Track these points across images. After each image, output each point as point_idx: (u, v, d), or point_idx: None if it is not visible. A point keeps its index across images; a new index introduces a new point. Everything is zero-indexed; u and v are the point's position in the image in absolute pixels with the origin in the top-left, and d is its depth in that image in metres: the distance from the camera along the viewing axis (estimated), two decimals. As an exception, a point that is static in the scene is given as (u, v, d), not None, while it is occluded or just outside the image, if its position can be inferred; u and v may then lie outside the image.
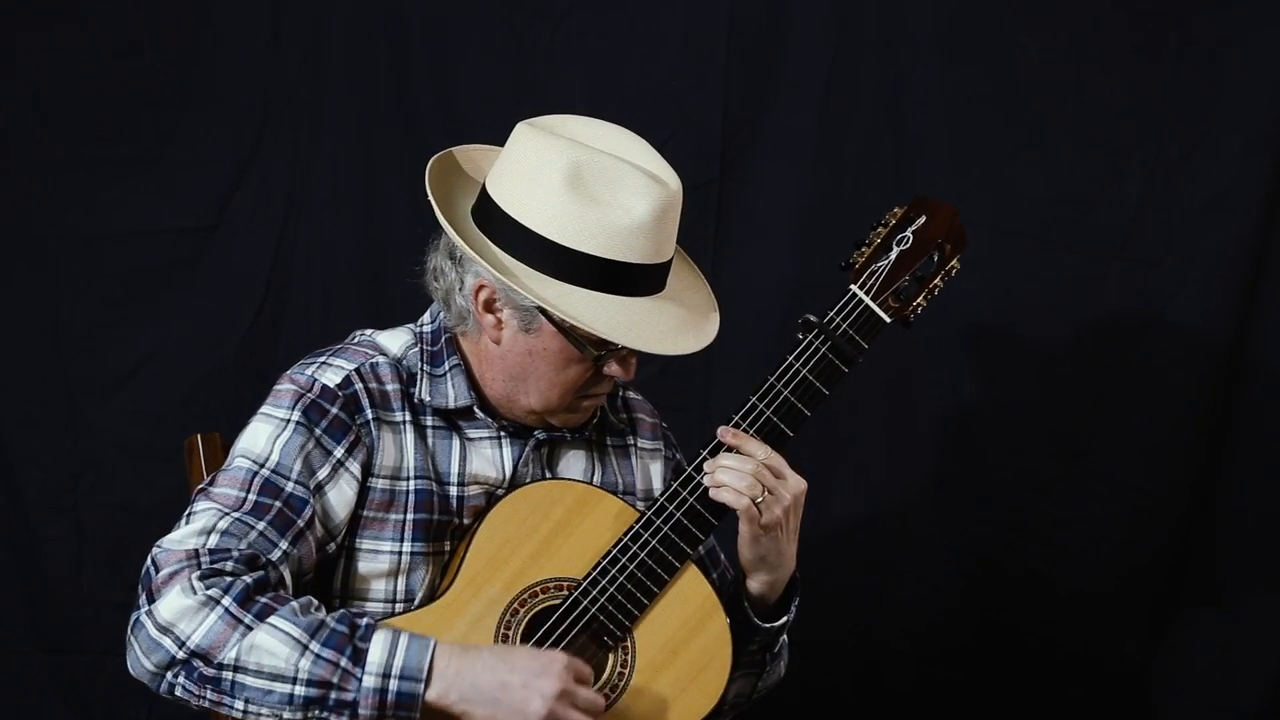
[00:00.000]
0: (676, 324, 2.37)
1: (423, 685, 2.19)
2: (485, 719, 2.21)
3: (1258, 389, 3.36)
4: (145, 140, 3.38)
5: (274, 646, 2.18)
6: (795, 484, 2.38)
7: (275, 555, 2.27)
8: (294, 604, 2.23)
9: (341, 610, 2.27)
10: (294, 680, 2.18)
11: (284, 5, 3.39)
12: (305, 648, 2.19)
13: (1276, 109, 3.28)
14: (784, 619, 2.49)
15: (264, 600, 2.21)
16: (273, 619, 2.19)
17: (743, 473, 2.33)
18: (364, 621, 2.24)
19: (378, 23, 3.38)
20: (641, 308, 2.33)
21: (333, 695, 2.18)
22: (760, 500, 2.34)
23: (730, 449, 2.36)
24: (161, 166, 3.39)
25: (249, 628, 2.18)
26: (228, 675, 2.18)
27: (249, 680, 2.18)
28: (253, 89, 3.39)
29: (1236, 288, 3.33)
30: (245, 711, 2.20)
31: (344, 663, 2.19)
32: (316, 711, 2.19)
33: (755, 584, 2.45)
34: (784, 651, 2.58)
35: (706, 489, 2.35)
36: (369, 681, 2.18)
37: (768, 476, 2.35)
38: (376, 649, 2.20)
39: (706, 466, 2.35)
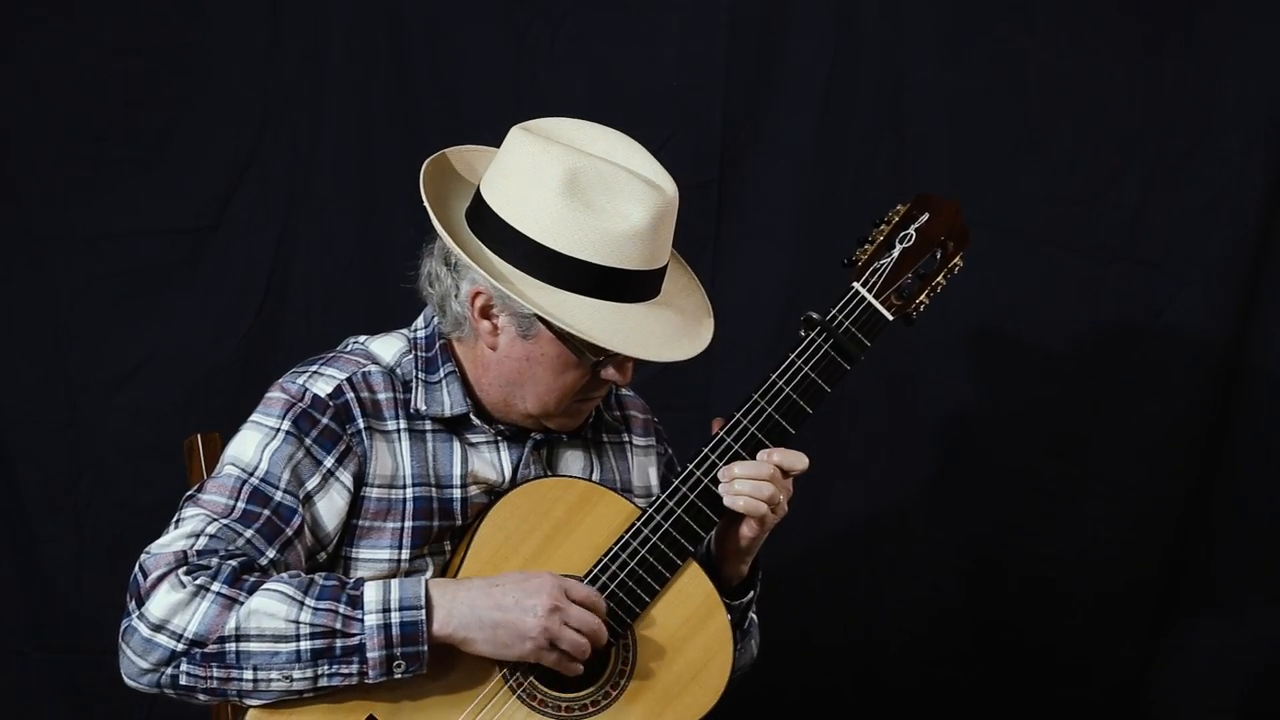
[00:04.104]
0: (672, 330, 2.37)
1: (424, 613, 2.21)
2: (486, 641, 2.24)
3: (1257, 388, 3.37)
4: (145, 140, 3.38)
5: (272, 608, 2.19)
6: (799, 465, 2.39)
7: (263, 562, 2.26)
8: (282, 574, 2.25)
9: (328, 572, 2.29)
10: (297, 637, 2.19)
11: (284, 5, 3.39)
12: (301, 603, 2.20)
13: (1276, 109, 3.29)
14: (750, 594, 2.50)
15: (253, 578, 2.22)
16: (265, 586, 2.21)
17: (760, 481, 2.34)
18: (353, 578, 2.27)
19: (378, 22, 3.38)
20: (637, 314, 2.33)
21: (338, 643, 2.20)
22: (777, 505, 2.36)
23: (739, 456, 2.36)
24: (161, 166, 3.39)
25: (242, 603, 2.19)
26: (231, 647, 2.19)
27: (253, 646, 2.19)
28: (253, 89, 3.40)
29: (1236, 288, 3.34)
30: (255, 681, 2.20)
31: (342, 608, 2.20)
32: (326, 666, 2.20)
33: (730, 568, 2.45)
34: (754, 630, 2.58)
35: (708, 486, 2.35)
36: (371, 620, 2.20)
37: (780, 479, 2.36)
38: (371, 590, 2.22)
39: (721, 475, 2.35)
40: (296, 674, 2.20)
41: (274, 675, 2.20)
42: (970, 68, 3.35)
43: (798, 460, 2.37)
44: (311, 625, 2.20)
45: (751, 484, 2.34)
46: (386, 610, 2.21)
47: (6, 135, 3.37)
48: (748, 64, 3.37)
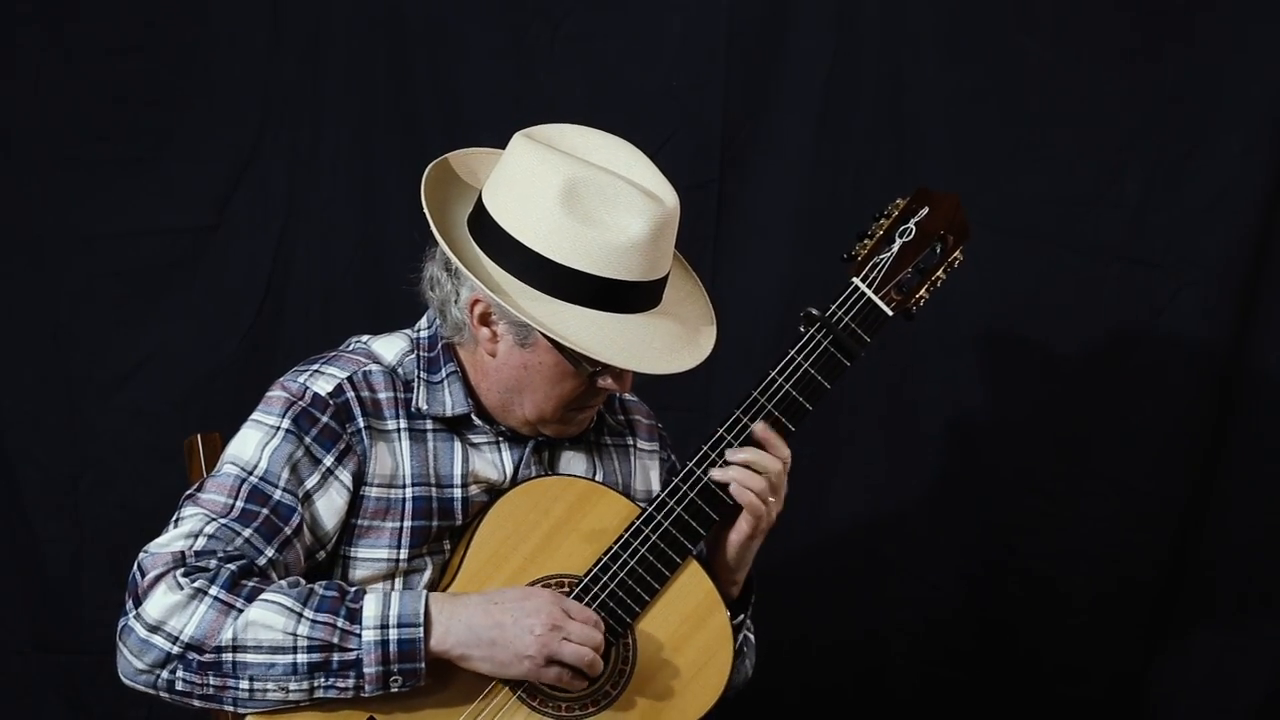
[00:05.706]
0: (671, 340, 2.36)
1: (422, 630, 2.21)
2: (484, 660, 2.24)
3: (1257, 389, 3.36)
4: (145, 140, 3.38)
5: (269, 619, 2.19)
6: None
7: (261, 561, 2.26)
8: (281, 582, 2.24)
9: (328, 581, 2.28)
10: (294, 649, 2.19)
11: (284, 5, 3.39)
12: (300, 615, 2.20)
13: (1276, 109, 3.29)
14: (742, 616, 2.49)
15: (251, 584, 2.22)
16: (263, 595, 2.20)
17: (761, 474, 2.35)
18: (353, 588, 2.27)
19: (378, 22, 3.38)
20: (636, 324, 2.33)
21: (335, 657, 2.20)
22: (772, 500, 2.36)
23: (744, 443, 2.36)
24: (161, 166, 3.39)
25: (240, 610, 2.19)
26: (228, 657, 2.19)
27: (250, 658, 2.19)
28: (253, 89, 3.40)
29: (1236, 288, 3.33)
30: (251, 691, 2.20)
31: (340, 623, 2.20)
32: (322, 679, 2.20)
33: (724, 581, 2.45)
34: (748, 650, 2.58)
35: (709, 485, 2.35)
36: (369, 635, 2.20)
37: (780, 478, 2.37)
38: (370, 605, 2.22)
39: (730, 454, 2.35)
40: (293, 686, 2.20)
41: (270, 686, 2.20)
42: (970, 68, 3.34)
43: (771, 457, 2.36)
44: (309, 639, 2.20)
45: (749, 474, 2.35)
46: (385, 626, 2.21)
47: (6, 135, 3.37)
48: (748, 64, 3.37)
